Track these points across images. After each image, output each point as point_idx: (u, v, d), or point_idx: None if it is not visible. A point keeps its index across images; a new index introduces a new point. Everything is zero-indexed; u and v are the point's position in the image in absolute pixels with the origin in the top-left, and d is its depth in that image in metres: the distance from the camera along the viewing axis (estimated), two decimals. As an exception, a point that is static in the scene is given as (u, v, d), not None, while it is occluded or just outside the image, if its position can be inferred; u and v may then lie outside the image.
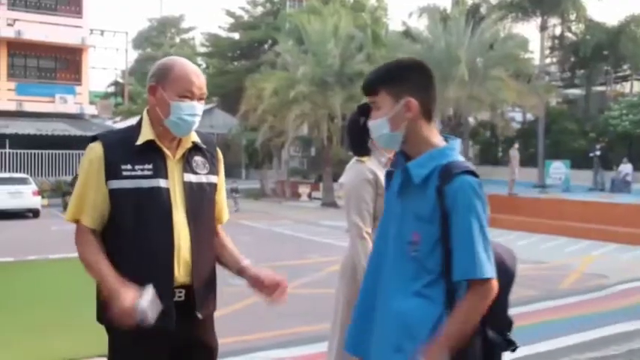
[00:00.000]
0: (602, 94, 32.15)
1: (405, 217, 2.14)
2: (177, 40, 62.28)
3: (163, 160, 2.46)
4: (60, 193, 26.46)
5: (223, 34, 47.52)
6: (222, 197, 2.70)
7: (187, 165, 2.49)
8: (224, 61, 46.31)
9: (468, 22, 19.65)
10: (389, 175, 2.31)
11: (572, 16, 30.12)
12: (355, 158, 3.55)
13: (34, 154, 29.26)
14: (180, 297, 2.43)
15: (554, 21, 30.51)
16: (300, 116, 25.47)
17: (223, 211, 2.73)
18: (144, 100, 42.41)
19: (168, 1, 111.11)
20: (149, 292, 2.25)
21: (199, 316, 2.48)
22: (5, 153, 28.66)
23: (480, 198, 2.08)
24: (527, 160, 27.13)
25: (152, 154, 2.45)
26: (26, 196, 21.73)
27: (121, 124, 33.36)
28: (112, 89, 56.41)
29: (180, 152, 2.51)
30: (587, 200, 18.37)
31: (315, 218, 20.74)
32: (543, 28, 28.96)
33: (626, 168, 22.85)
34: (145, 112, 2.52)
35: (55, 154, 29.71)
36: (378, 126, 2.20)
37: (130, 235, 2.38)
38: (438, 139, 2.20)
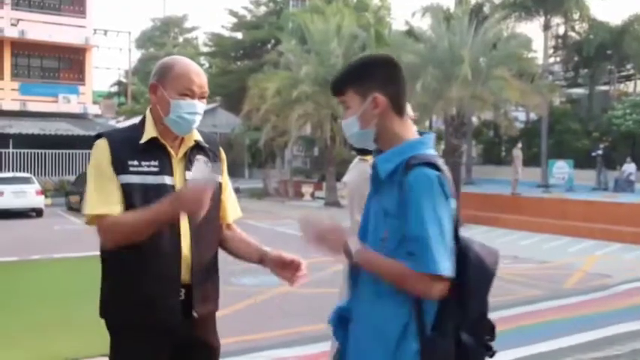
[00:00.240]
0: (606, 94, 32.06)
1: (377, 214, 2.12)
2: (181, 39, 62.33)
3: (168, 158, 2.47)
4: (63, 192, 26.50)
5: (226, 33, 47.55)
6: (227, 196, 2.70)
7: (190, 164, 2.49)
8: (227, 61, 46.34)
9: (471, 22, 19.58)
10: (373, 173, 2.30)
11: (576, 16, 30.06)
12: (358, 157, 3.55)
13: (38, 153, 29.30)
14: (180, 296, 2.43)
15: (557, 20, 30.46)
16: (303, 116, 25.46)
17: (229, 211, 2.72)
18: (147, 100, 42.32)
19: (172, 1, 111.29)
20: (195, 166, 2.28)
21: (195, 315, 2.46)
22: (9, 153, 28.72)
23: (437, 190, 1.99)
24: (531, 160, 27.09)
25: (156, 151, 2.45)
26: (30, 195, 21.78)
27: (124, 124, 33.39)
28: (115, 89, 56.46)
29: (182, 151, 2.51)
30: (591, 200, 18.33)
31: (318, 218, 20.59)
32: (547, 27, 28.90)
33: (629, 167, 22.80)
34: (147, 111, 2.53)
35: (59, 153, 29.76)
36: (348, 125, 2.18)
37: None
38: (410, 134, 2.16)
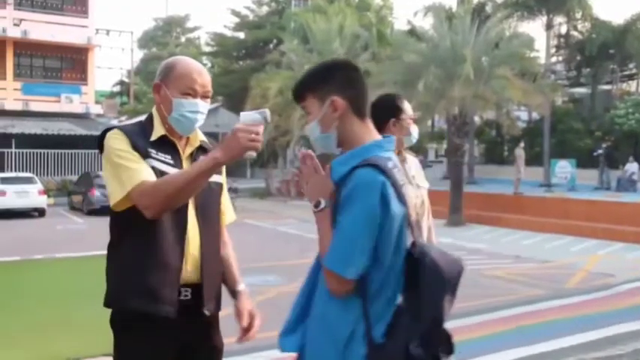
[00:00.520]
0: (608, 93, 32.02)
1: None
2: (183, 39, 62.33)
3: (178, 154, 2.50)
4: (66, 192, 26.53)
5: (228, 33, 47.55)
6: (225, 198, 2.71)
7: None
8: (229, 61, 46.36)
9: (474, 21, 19.55)
10: None
11: (578, 15, 30.01)
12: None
13: (40, 153, 29.34)
14: (186, 296, 2.43)
15: (559, 19, 30.42)
16: (305, 115, 25.39)
17: (226, 214, 2.73)
18: (149, 100, 42.48)
19: (174, 1, 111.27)
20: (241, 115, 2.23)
21: (207, 313, 2.48)
22: (11, 152, 28.75)
23: (372, 193, 1.96)
24: (533, 159, 27.05)
25: (167, 147, 2.47)
26: (32, 195, 21.82)
27: (126, 123, 33.29)
28: (117, 89, 56.51)
29: (188, 150, 2.54)
30: (593, 199, 18.31)
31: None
32: (549, 26, 28.87)
33: (632, 167, 22.77)
34: (154, 110, 2.55)
35: (61, 153, 29.79)
36: (310, 130, 2.18)
37: (148, 222, 2.33)
38: (370, 137, 2.14)
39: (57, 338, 6.46)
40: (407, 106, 3.55)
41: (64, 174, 29.49)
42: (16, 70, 31.78)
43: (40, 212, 22.10)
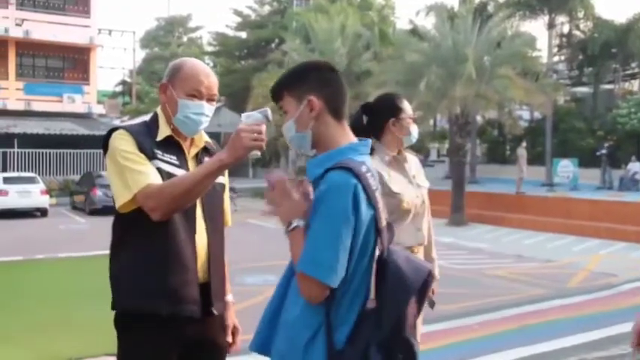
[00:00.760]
0: (611, 92, 31.94)
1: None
2: (185, 39, 62.26)
3: (184, 155, 2.50)
4: (68, 192, 26.55)
5: (231, 33, 47.56)
6: (226, 201, 2.72)
7: (200, 164, 2.50)
8: (231, 60, 46.35)
9: (476, 21, 19.52)
10: None
11: (580, 14, 29.96)
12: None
13: (42, 153, 29.37)
14: (195, 293, 2.43)
15: (562, 19, 30.36)
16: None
17: (227, 214, 2.74)
18: (151, 100, 42.48)
19: (176, 1, 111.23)
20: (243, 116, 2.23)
21: (216, 312, 2.49)
22: (13, 152, 28.79)
23: (344, 196, 1.94)
24: (535, 159, 27.00)
25: (173, 148, 2.48)
26: (34, 195, 21.84)
27: (129, 123, 33.30)
28: (119, 88, 56.46)
29: (193, 151, 2.55)
30: (596, 199, 18.29)
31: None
32: (551, 26, 28.83)
33: (634, 166, 22.73)
34: (159, 110, 2.55)
35: (63, 153, 29.82)
36: (286, 129, 2.16)
37: (158, 222, 2.32)
38: (346, 139, 2.13)
39: (59, 338, 6.47)
40: (407, 106, 3.55)
41: (67, 174, 29.52)
42: (18, 70, 31.83)
43: (43, 212, 22.12)
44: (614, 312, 7.76)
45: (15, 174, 24.38)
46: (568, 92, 31.41)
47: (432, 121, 32.71)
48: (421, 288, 2.08)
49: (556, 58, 32.05)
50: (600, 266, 11.69)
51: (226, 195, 2.70)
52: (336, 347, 1.97)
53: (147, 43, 60.89)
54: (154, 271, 2.36)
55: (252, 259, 10.89)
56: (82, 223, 19.85)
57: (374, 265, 2.06)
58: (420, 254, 3.52)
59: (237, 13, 46.38)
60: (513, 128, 21.50)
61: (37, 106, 31.13)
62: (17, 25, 30.96)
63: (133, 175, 2.32)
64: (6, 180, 22.19)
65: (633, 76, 33.62)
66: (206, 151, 2.57)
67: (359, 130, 3.46)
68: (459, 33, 19.29)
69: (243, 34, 46.43)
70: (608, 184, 23.45)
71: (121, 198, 2.34)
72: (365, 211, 1.98)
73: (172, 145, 2.48)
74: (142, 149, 2.38)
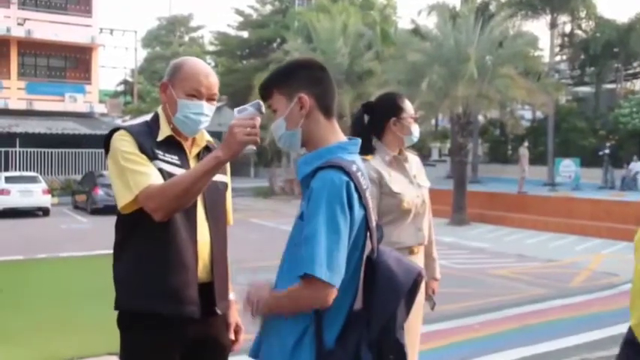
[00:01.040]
0: (612, 92, 31.90)
1: (296, 218, 2.09)
2: (187, 38, 62.29)
3: (185, 155, 2.50)
4: (70, 191, 26.56)
5: (232, 32, 47.51)
6: (229, 199, 2.72)
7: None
8: (233, 60, 46.31)
9: (478, 20, 19.50)
10: None
11: (582, 14, 29.92)
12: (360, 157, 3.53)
13: (44, 152, 29.39)
14: (195, 292, 2.43)
15: (564, 18, 30.31)
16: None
17: (230, 213, 2.74)
18: (153, 99, 42.51)
19: (177, 0, 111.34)
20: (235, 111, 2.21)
21: (219, 312, 2.49)
22: (15, 152, 28.81)
23: (337, 196, 1.93)
24: (537, 158, 26.98)
25: (174, 148, 2.48)
26: (36, 194, 21.86)
27: (131, 123, 33.35)
28: (121, 88, 56.45)
29: (195, 151, 2.55)
30: (597, 198, 18.27)
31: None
32: (553, 25, 28.79)
33: (636, 166, 22.69)
34: (160, 110, 2.55)
35: (65, 152, 29.84)
36: (276, 127, 2.15)
37: (158, 222, 2.32)
38: (335, 138, 2.12)
39: (60, 337, 6.47)
40: (408, 105, 3.53)
41: (68, 173, 29.53)
42: (20, 70, 31.86)
43: (44, 211, 22.13)
44: (615, 312, 7.75)
45: (17, 173, 24.40)
46: (570, 92, 31.39)
47: (433, 121, 32.63)
48: (411, 289, 2.08)
49: (558, 58, 32.01)
50: (602, 266, 11.68)
51: (229, 194, 2.70)
52: (325, 347, 1.97)
53: (148, 42, 60.92)
54: (154, 271, 2.36)
55: (252, 258, 10.88)
56: (84, 222, 19.87)
57: (363, 265, 2.06)
58: (420, 254, 3.52)
59: (239, 12, 46.34)
60: (515, 128, 21.49)
61: (39, 105, 31.15)
62: (19, 24, 30.99)
63: (134, 176, 2.32)
64: (8, 179, 22.21)
65: (635, 76, 33.57)
66: (208, 150, 2.56)
67: (360, 129, 3.47)
68: (460, 32, 19.28)
69: (245, 34, 46.38)
70: (610, 184, 23.42)
71: (123, 199, 2.34)
72: (357, 211, 1.98)
73: (173, 145, 2.48)
74: (142, 150, 2.38)
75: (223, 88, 42.01)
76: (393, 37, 27.03)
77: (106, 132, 2.53)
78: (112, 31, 42.68)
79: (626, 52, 28.63)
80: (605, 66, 29.74)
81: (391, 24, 32.46)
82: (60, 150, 29.59)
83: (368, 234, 2.06)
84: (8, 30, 30.37)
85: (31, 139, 28.57)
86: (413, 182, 3.51)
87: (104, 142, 2.47)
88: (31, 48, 31.90)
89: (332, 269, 1.90)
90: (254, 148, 2.21)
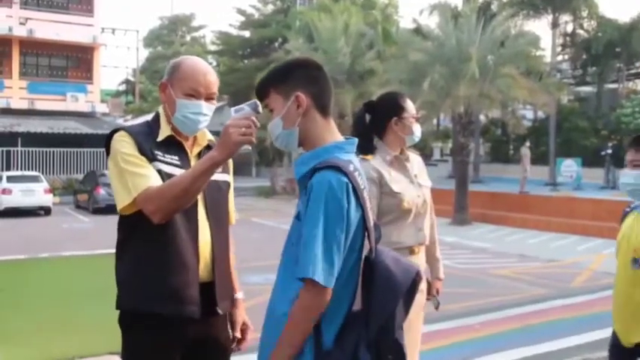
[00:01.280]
0: (614, 92, 31.85)
1: (294, 217, 2.09)
2: (188, 38, 62.32)
3: (185, 155, 2.49)
4: (71, 191, 26.59)
5: (234, 32, 47.51)
6: (231, 198, 2.71)
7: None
8: (235, 59, 46.31)
9: (479, 20, 19.48)
10: None
11: (584, 13, 29.89)
12: (360, 156, 3.52)
13: (46, 152, 29.41)
14: (196, 292, 2.43)
15: (565, 18, 30.29)
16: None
17: (232, 212, 2.73)
18: (155, 99, 42.53)
19: (179, 0, 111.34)
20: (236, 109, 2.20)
21: (220, 312, 2.48)
22: (17, 151, 28.83)
23: (335, 196, 1.93)
24: (539, 158, 26.97)
25: (174, 148, 2.47)
26: (38, 193, 21.88)
27: (133, 122, 33.42)
28: (123, 87, 56.53)
29: (196, 150, 2.54)
30: (599, 198, 18.24)
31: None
32: (555, 25, 28.76)
33: (638, 166, 22.66)
34: (160, 109, 2.54)
35: (67, 152, 29.86)
36: (273, 127, 2.15)
37: (158, 225, 2.32)
38: (332, 137, 2.12)
39: (62, 336, 6.48)
40: (409, 105, 3.52)
41: (70, 172, 29.55)
42: (21, 69, 31.88)
43: (46, 211, 22.15)
44: (617, 312, 7.73)
45: (19, 173, 24.42)
46: (572, 91, 31.35)
47: (435, 121, 32.63)
48: (409, 289, 2.07)
49: (560, 58, 31.99)
50: (603, 266, 11.66)
51: (231, 193, 2.69)
52: (324, 347, 1.96)
53: (150, 42, 60.98)
54: (154, 272, 2.36)
55: (253, 257, 10.88)
56: (86, 221, 19.88)
57: (361, 266, 2.06)
58: (421, 254, 3.51)
59: (241, 12, 46.35)
60: (517, 128, 21.47)
61: (41, 105, 31.17)
62: (21, 24, 31.01)
63: (133, 178, 2.32)
64: (10, 179, 22.23)
65: (637, 76, 33.52)
66: (209, 149, 2.54)
67: (362, 129, 3.47)
68: (462, 32, 19.26)
69: (247, 33, 46.38)
70: (612, 184, 23.38)
71: (122, 201, 2.35)
72: (354, 211, 1.98)
73: (174, 144, 2.47)
74: (142, 151, 2.38)
75: (225, 87, 42.08)
76: (395, 37, 27.00)
77: (107, 131, 2.53)
78: (113, 30, 42.79)
79: (628, 51, 28.59)
80: (607, 66, 29.70)
81: (393, 23, 32.43)
82: (62, 149, 29.61)
83: (366, 234, 2.06)
84: (10, 29, 30.40)
85: (33, 139, 28.59)
86: (414, 182, 3.50)
87: (105, 142, 2.47)
88: (32, 47, 31.92)
89: (322, 271, 1.90)
90: (249, 148, 2.21)
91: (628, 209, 3.24)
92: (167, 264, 2.35)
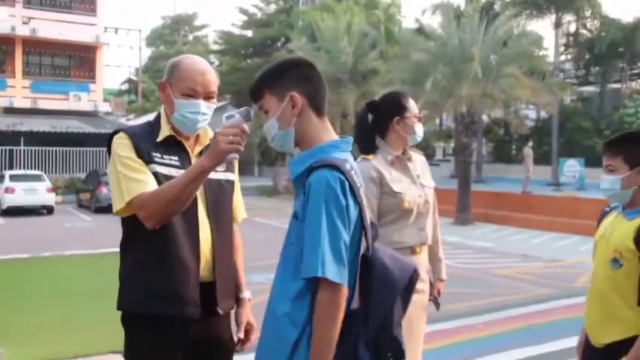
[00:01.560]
0: (617, 92, 31.83)
1: (291, 216, 2.10)
2: (191, 37, 62.38)
3: (186, 154, 2.48)
4: (74, 190, 26.63)
5: (236, 31, 47.55)
6: (237, 195, 2.70)
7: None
8: (237, 59, 46.33)
9: (482, 19, 19.46)
10: None
11: (587, 13, 29.87)
12: (361, 156, 3.51)
13: (49, 151, 29.44)
14: (197, 292, 2.42)
15: (568, 18, 30.26)
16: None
17: (238, 210, 2.72)
18: (157, 98, 42.47)
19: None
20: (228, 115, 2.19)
21: (220, 312, 2.48)
22: (20, 150, 28.87)
23: (333, 194, 1.94)
24: (541, 158, 26.95)
25: (174, 148, 2.47)
26: (40, 193, 21.91)
27: (135, 122, 33.55)
28: (125, 87, 56.62)
29: (198, 149, 2.53)
30: (602, 198, 18.19)
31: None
32: (558, 25, 28.75)
33: (640, 166, 22.64)
34: (162, 109, 2.54)
35: (69, 151, 29.89)
36: (268, 128, 2.15)
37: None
38: (327, 136, 2.12)
39: (65, 335, 6.47)
40: (412, 104, 3.50)
41: (73, 172, 29.58)
42: (24, 68, 31.92)
43: (49, 210, 22.19)
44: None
45: (21, 172, 24.47)
46: (574, 91, 31.32)
47: (437, 120, 32.63)
48: (407, 286, 2.08)
49: (563, 57, 31.96)
50: (606, 266, 11.64)
51: (237, 191, 2.69)
52: None
53: (153, 41, 61.06)
54: (154, 273, 2.36)
55: (256, 257, 10.87)
56: (88, 220, 19.90)
57: (358, 263, 2.06)
58: (423, 254, 3.50)
59: (243, 11, 46.37)
60: (519, 127, 21.44)
61: (44, 104, 31.21)
62: (24, 23, 31.05)
63: (128, 183, 2.33)
64: (12, 178, 22.26)
65: (640, 76, 33.50)
66: None
67: (364, 129, 3.46)
68: (465, 32, 19.24)
69: (249, 33, 46.40)
70: (615, 184, 23.37)
71: (116, 205, 2.38)
72: (352, 209, 1.99)
73: (174, 145, 2.47)
74: (139, 153, 2.38)
75: (227, 87, 42.10)
76: (397, 37, 26.99)
77: (110, 131, 2.54)
78: (116, 29, 42.89)
79: (632, 51, 28.56)
80: (610, 65, 29.67)
81: (395, 23, 32.41)
82: (64, 148, 29.64)
83: (363, 232, 2.06)
84: (13, 29, 30.44)
85: (36, 138, 28.63)
86: (415, 182, 3.48)
87: (107, 143, 2.47)
88: (35, 47, 31.95)
89: (332, 268, 1.91)
90: (237, 156, 2.21)
91: (607, 209, 3.25)
92: (167, 264, 2.35)
